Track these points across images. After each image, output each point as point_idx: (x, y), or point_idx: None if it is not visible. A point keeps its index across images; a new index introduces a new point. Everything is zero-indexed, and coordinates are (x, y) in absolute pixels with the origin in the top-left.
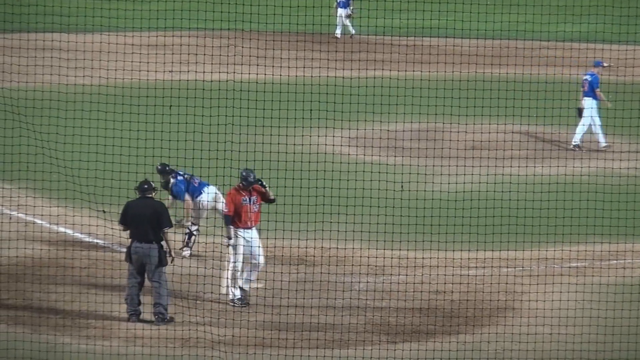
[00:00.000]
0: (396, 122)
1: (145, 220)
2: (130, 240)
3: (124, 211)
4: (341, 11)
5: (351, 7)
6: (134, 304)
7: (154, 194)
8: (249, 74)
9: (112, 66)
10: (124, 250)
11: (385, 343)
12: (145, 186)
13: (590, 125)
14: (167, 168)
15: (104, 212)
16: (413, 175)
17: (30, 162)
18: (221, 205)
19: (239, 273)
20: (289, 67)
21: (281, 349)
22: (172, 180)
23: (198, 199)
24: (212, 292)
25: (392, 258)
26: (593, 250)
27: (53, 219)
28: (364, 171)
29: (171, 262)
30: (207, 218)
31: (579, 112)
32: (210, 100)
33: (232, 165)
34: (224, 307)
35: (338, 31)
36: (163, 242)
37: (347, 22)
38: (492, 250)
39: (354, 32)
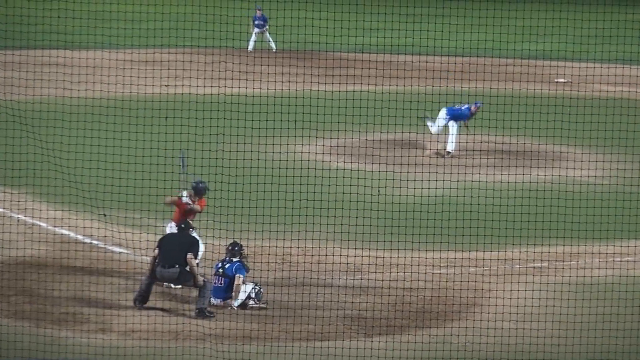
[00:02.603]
0: (373, 132)
1: (175, 246)
2: (156, 262)
3: (161, 238)
4: (258, 30)
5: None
6: (143, 295)
7: (190, 230)
8: (239, 88)
9: (110, 80)
10: (122, 251)
11: (361, 336)
12: (182, 225)
13: None
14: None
15: (105, 215)
16: (387, 182)
17: (36, 169)
18: None
19: None
20: (275, 81)
21: (265, 341)
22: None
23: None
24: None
25: (368, 257)
26: (555, 252)
27: (57, 221)
28: (342, 177)
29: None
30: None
31: None
32: (203, 112)
33: (223, 172)
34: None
35: (273, 45)
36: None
37: (254, 38)
38: (461, 251)
39: (252, 48)
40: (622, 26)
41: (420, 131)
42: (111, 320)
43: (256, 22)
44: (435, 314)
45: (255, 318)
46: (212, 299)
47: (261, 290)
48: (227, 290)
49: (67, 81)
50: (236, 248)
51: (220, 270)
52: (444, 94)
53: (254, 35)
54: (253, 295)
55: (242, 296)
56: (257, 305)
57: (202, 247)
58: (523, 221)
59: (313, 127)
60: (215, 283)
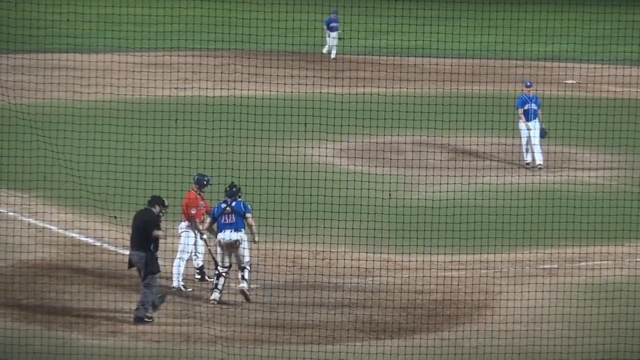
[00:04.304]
0: (383, 135)
1: (136, 229)
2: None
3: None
4: (334, 34)
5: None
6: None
7: (156, 208)
8: (248, 90)
9: (120, 83)
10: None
11: (372, 339)
12: (149, 199)
13: None
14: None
15: (115, 217)
16: (398, 184)
17: (46, 172)
18: None
19: None
20: (285, 84)
21: (277, 344)
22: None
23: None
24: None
25: (378, 261)
26: (565, 253)
27: (67, 224)
28: (353, 180)
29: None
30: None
31: None
32: (213, 114)
33: (232, 175)
34: (225, 305)
35: (333, 52)
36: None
37: (336, 43)
38: (472, 254)
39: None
40: (631, 27)
41: (426, 134)
42: (122, 322)
43: (332, 25)
44: (446, 317)
45: (266, 321)
46: (228, 234)
47: (248, 268)
48: (239, 224)
49: (77, 84)
50: (234, 189)
51: (228, 208)
52: (455, 96)
53: (335, 40)
54: (247, 276)
55: (246, 275)
56: (248, 288)
57: (201, 250)
58: (533, 222)
59: (323, 130)
60: (225, 221)
